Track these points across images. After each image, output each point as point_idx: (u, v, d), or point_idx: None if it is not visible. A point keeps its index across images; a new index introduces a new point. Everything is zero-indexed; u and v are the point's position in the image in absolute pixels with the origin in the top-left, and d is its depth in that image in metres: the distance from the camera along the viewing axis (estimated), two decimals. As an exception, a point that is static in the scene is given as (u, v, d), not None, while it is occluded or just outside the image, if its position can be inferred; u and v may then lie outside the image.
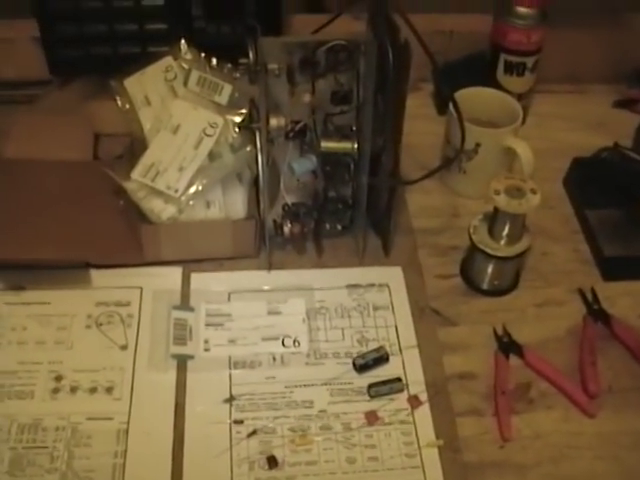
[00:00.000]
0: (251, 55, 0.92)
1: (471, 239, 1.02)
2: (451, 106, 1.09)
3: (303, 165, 0.99)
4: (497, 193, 0.97)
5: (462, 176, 1.15)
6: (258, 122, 0.95)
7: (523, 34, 1.20)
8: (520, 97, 1.23)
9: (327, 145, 0.97)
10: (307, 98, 0.94)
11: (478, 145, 1.11)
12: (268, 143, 0.95)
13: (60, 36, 1.15)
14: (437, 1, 1.30)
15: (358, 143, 0.98)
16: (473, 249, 1.03)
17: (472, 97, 1.12)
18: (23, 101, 1.25)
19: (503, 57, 1.23)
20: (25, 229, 1.05)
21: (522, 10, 1.19)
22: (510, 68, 1.24)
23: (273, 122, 0.93)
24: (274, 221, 1.04)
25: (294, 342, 0.98)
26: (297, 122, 0.97)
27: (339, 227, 1.07)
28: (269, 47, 0.89)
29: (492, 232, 1.01)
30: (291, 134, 0.97)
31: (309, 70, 0.93)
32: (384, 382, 0.94)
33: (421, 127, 1.22)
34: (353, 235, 1.08)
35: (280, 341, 0.98)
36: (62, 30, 1.14)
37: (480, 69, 1.27)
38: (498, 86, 1.23)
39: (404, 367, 0.96)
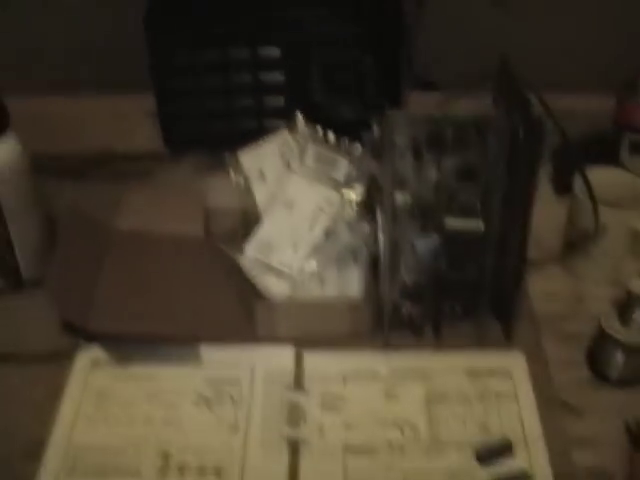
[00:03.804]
0: (376, 129, 0.90)
1: (600, 325, 0.97)
2: (578, 185, 1.06)
3: (426, 244, 0.96)
4: (631, 277, 0.92)
5: (586, 260, 1.10)
6: (380, 198, 0.93)
7: (651, 113, 1.17)
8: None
9: (452, 224, 0.94)
10: (433, 175, 0.91)
11: (605, 227, 1.06)
12: (392, 221, 0.92)
13: (177, 111, 1.16)
14: (553, 79, 1.26)
15: (484, 223, 0.94)
16: (602, 336, 0.97)
17: (596, 177, 1.08)
18: (136, 174, 1.26)
19: (628, 137, 1.19)
20: (135, 302, 1.04)
21: (650, 88, 1.16)
22: (636, 148, 1.20)
23: (399, 199, 0.90)
24: (392, 302, 1.01)
25: (412, 429, 0.93)
26: (421, 199, 0.94)
27: (459, 310, 1.02)
28: (397, 122, 0.87)
29: (624, 318, 0.96)
30: (415, 211, 0.94)
31: (436, 146, 0.90)
32: (511, 478, 0.88)
33: (539, 208, 1.17)
34: (474, 319, 1.04)
35: (398, 427, 0.93)
36: (180, 105, 1.15)
37: (601, 149, 1.22)
38: (622, 167, 1.19)
39: (530, 460, 0.90)
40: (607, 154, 1.22)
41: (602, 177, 1.10)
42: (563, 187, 1.20)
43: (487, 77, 1.00)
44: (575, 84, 1.25)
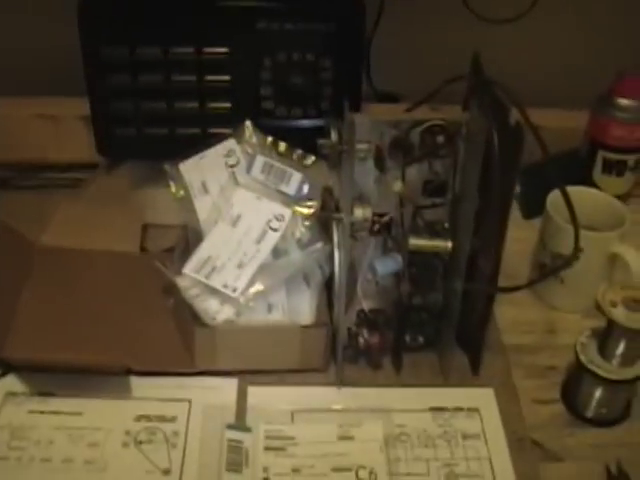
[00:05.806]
0: (333, 136, 0.81)
1: (578, 358, 0.88)
2: (551, 206, 0.98)
3: (387, 265, 0.86)
4: (613, 305, 0.84)
5: (559, 286, 1.02)
6: (337, 214, 0.83)
7: (625, 129, 1.11)
8: (618, 200, 1.10)
9: (417, 243, 0.84)
10: (398, 187, 0.82)
11: (579, 251, 0.97)
12: (350, 238, 0.82)
13: (113, 114, 1.06)
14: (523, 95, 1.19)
15: (452, 242, 0.84)
16: (579, 370, 0.88)
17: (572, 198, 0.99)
18: (67, 185, 1.17)
19: (601, 154, 1.13)
20: (59, 327, 0.94)
21: (625, 102, 1.09)
22: (609, 167, 1.13)
23: (358, 213, 0.80)
24: (348, 330, 0.91)
25: (370, 474, 0.83)
26: (382, 215, 0.84)
27: (422, 340, 0.93)
28: (358, 126, 0.77)
29: (603, 351, 0.87)
30: (376, 228, 0.84)
31: (400, 154, 0.81)
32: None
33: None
34: (438, 350, 0.94)
35: (353, 472, 0.83)
36: (115, 108, 1.05)
37: (573, 168, 1.15)
38: (594, 187, 1.11)
39: (501, 510, 0.81)
40: (580, 173, 1.14)
41: (576, 197, 1.02)
42: (531, 210, 1.12)
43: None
44: (546, 99, 1.17)
